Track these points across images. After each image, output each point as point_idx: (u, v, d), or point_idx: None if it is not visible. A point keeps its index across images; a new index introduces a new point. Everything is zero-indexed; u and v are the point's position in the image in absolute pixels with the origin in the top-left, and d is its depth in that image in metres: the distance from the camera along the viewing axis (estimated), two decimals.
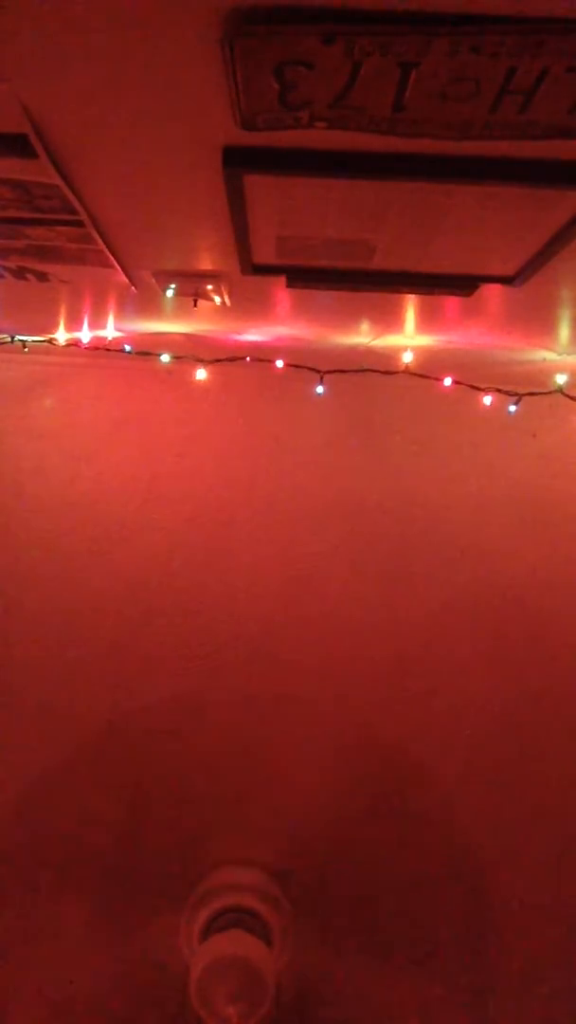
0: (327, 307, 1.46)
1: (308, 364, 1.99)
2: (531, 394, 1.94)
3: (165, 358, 2.00)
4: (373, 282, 1.22)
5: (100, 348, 2.00)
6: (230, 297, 1.38)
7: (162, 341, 1.93)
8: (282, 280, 1.24)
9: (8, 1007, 2.08)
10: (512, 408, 1.96)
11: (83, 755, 2.10)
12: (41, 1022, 2.07)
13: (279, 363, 2.00)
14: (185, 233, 1.10)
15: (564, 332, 1.57)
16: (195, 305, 1.43)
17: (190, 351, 1.98)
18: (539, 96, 0.64)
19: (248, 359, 2.00)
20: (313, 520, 2.14)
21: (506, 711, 2.11)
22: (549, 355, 1.75)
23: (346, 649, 2.13)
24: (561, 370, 1.85)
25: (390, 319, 1.55)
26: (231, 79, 0.64)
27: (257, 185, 0.86)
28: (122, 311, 1.65)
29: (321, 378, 2.01)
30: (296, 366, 2.00)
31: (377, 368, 1.94)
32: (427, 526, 2.14)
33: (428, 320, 1.54)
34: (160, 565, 2.14)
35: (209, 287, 1.33)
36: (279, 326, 1.69)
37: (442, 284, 1.20)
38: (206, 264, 1.23)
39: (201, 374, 2.03)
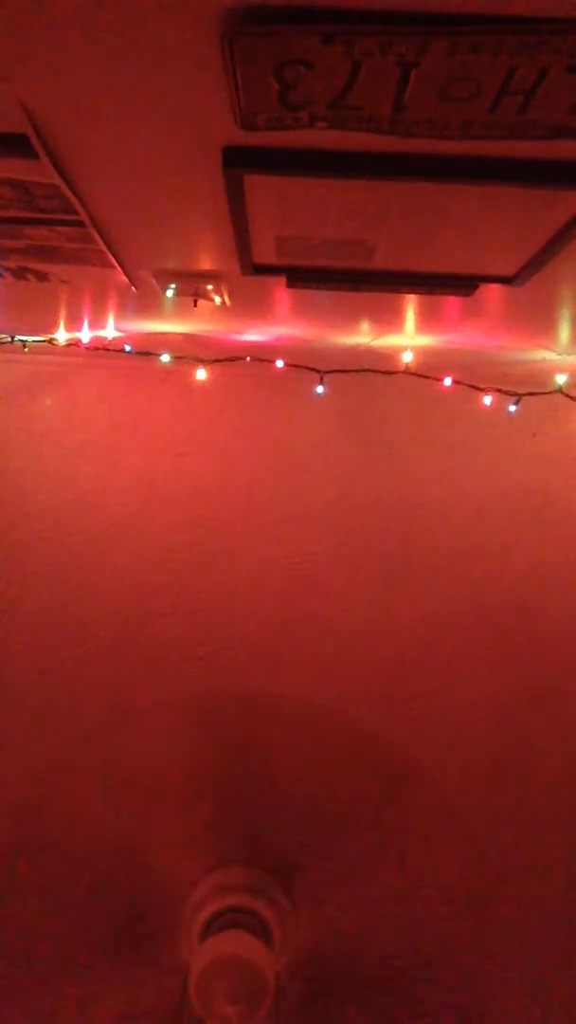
0: (327, 307, 1.46)
1: (308, 364, 1.99)
2: (531, 394, 1.94)
3: (165, 358, 2.00)
4: (373, 282, 1.22)
5: (100, 348, 2.00)
6: (230, 297, 1.38)
7: (162, 341, 1.93)
8: (282, 280, 1.24)
9: (2, 1006, 2.08)
10: (512, 408, 1.96)
11: (83, 755, 2.10)
12: (37, 1021, 2.08)
13: (279, 363, 2.00)
14: (185, 233, 1.10)
15: (564, 332, 1.57)
16: (195, 305, 1.43)
17: (190, 351, 1.98)
18: (539, 96, 0.64)
19: (248, 359, 2.00)
20: (313, 520, 2.14)
21: (507, 711, 2.11)
22: (549, 355, 1.75)
23: (346, 649, 2.13)
24: (561, 370, 1.85)
25: (390, 319, 1.54)
26: (231, 79, 0.64)
27: (257, 185, 0.86)
28: (122, 311, 1.65)
29: (321, 378, 2.01)
30: (296, 366, 2.00)
31: (377, 368, 1.94)
32: (427, 526, 2.14)
33: (428, 320, 1.53)
34: (160, 565, 2.14)
35: (209, 287, 1.32)
36: (279, 326, 1.69)
37: (442, 284, 1.20)
38: (206, 264, 1.23)
39: (201, 374, 2.03)
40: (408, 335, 1.70)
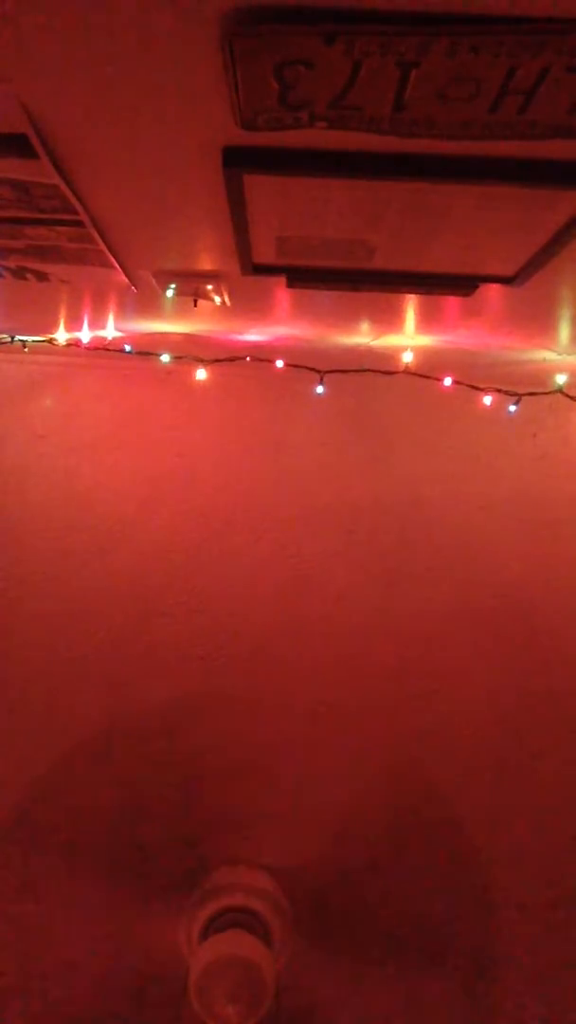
0: (327, 307, 1.46)
1: (308, 364, 1.99)
2: (531, 394, 1.94)
3: (165, 358, 2.00)
4: (373, 282, 1.22)
5: (100, 348, 2.00)
6: (230, 297, 1.38)
7: (162, 341, 1.93)
8: (282, 280, 1.24)
9: (5, 1005, 2.08)
10: (512, 408, 1.97)
11: (83, 755, 2.10)
12: (38, 1019, 2.08)
13: (279, 363, 2.00)
14: (185, 233, 1.10)
15: (564, 332, 1.57)
16: (195, 305, 1.43)
17: (190, 351, 1.98)
18: (539, 96, 0.64)
19: (248, 359, 2.00)
20: (313, 520, 2.14)
21: (507, 711, 2.11)
22: (549, 355, 1.75)
23: (346, 649, 2.13)
24: (561, 370, 1.85)
25: (390, 319, 1.55)
26: (231, 79, 0.64)
27: (257, 185, 0.86)
28: (122, 311, 1.65)
29: (321, 378, 2.01)
30: (296, 366, 2.00)
31: (377, 368, 1.94)
32: (427, 526, 2.14)
33: (428, 320, 1.54)
34: (160, 565, 2.14)
35: (209, 287, 1.33)
36: (279, 326, 1.69)
37: (442, 284, 1.20)
38: (206, 264, 1.23)
39: (201, 374, 2.03)
40: (408, 335, 1.70)
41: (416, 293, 1.30)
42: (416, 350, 1.83)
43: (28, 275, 1.32)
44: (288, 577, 2.14)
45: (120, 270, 1.25)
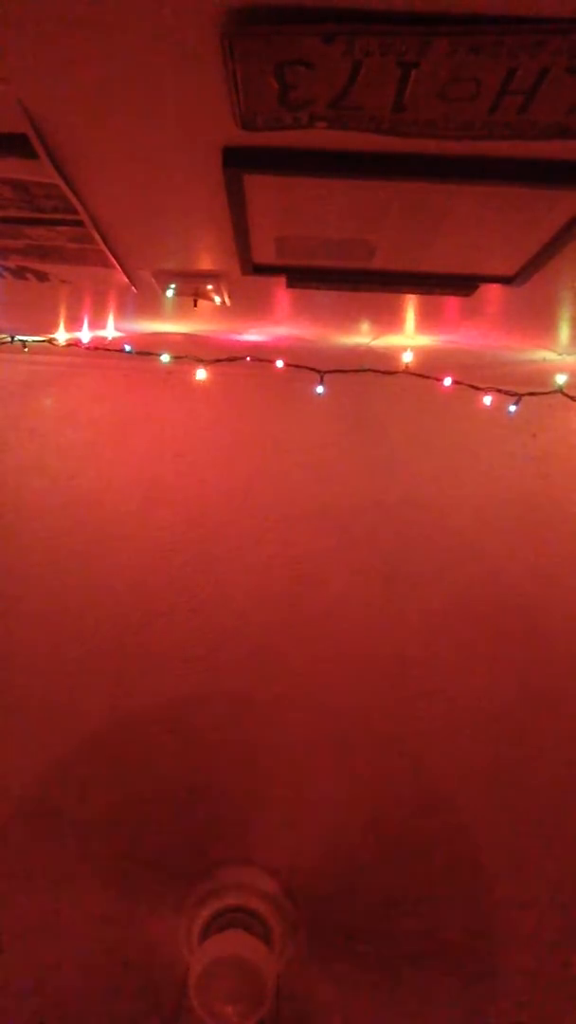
0: (327, 307, 1.46)
1: (308, 364, 1.99)
2: (531, 394, 1.94)
3: (165, 358, 2.00)
4: (373, 282, 1.22)
5: (100, 348, 2.00)
6: (230, 297, 1.38)
7: (162, 341, 1.93)
8: (282, 280, 1.24)
9: (4, 1003, 2.08)
10: (512, 408, 1.96)
11: (84, 755, 2.10)
12: (37, 1019, 2.08)
13: (279, 363, 2.00)
14: (185, 233, 1.10)
15: (564, 332, 1.57)
16: (195, 305, 1.43)
17: (190, 351, 1.98)
18: (539, 96, 0.64)
19: (248, 359, 2.00)
20: (313, 520, 2.14)
21: (506, 711, 2.11)
22: (549, 355, 1.75)
23: (346, 649, 2.13)
24: (561, 370, 1.85)
25: (390, 319, 1.54)
26: (231, 79, 0.64)
27: (257, 185, 0.86)
28: (122, 311, 1.65)
29: (321, 378, 2.00)
30: (296, 366, 2.00)
31: (377, 368, 1.94)
32: (427, 526, 2.14)
33: (428, 320, 1.53)
34: (160, 565, 2.14)
35: (209, 287, 1.33)
36: (279, 326, 1.69)
37: (442, 284, 1.20)
38: (206, 264, 1.23)
39: (201, 374, 2.03)
40: (408, 335, 1.70)
41: (416, 293, 1.30)
42: (416, 350, 1.83)
43: (28, 275, 1.32)
44: (288, 577, 2.14)
45: (120, 270, 1.25)
